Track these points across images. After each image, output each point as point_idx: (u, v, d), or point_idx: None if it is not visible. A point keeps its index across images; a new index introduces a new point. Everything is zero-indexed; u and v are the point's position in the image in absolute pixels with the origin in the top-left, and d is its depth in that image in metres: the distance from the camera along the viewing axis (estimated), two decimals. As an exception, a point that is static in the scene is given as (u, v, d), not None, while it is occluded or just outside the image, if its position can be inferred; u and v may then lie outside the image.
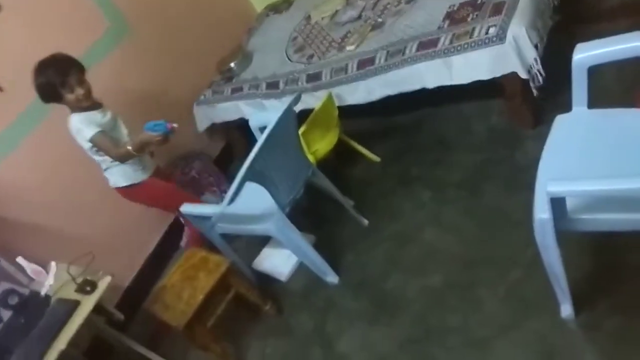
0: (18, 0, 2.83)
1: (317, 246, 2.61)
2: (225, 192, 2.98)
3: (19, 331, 2.27)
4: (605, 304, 1.83)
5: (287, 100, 2.37)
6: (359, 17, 3.17)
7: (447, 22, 2.59)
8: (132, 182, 2.66)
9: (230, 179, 2.61)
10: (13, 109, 2.76)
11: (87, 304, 2.23)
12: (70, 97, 2.39)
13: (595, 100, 1.81)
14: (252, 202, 2.34)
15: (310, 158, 2.66)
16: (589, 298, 1.85)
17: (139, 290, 3.10)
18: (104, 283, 2.29)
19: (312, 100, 2.95)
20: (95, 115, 2.49)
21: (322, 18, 3.45)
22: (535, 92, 2.40)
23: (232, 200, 2.18)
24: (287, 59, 3.34)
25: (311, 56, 3.18)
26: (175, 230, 3.44)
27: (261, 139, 2.16)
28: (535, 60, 2.34)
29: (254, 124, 2.79)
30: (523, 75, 2.35)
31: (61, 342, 2.12)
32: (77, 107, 2.44)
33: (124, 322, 2.77)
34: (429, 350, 2.07)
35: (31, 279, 2.53)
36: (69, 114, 2.47)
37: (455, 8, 2.63)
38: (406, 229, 2.61)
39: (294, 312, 2.63)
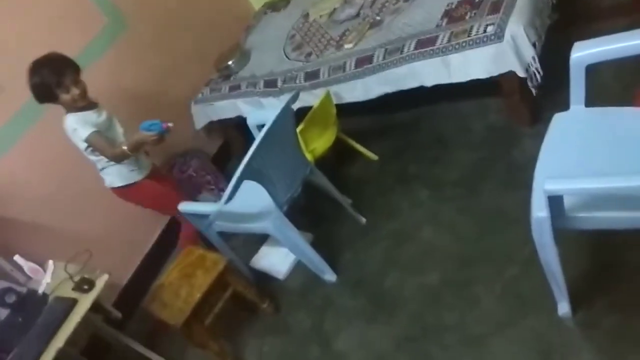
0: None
1: (315, 244, 2.61)
2: (223, 190, 2.99)
3: (16, 330, 2.26)
4: (602, 302, 1.83)
5: (285, 99, 2.36)
6: (357, 15, 3.17)
7: (445, 20, 2.59)
8: (127, 182, 2.64)
9: (228, 177, 2.61)
10: (9, 107, 2.75)
11: (85, 302, 2.23)
12: (65, 97, 2.37)
13: (593, 99, 1.81)
14: (249, 200, 2.34)
15: (308, 156, 2.66)
16: (586, 296, 1.86)
17: (137, 289, 3.10)
18: (101, 281, 2.29)
19: (310, 98, 2.95)
20: (91, 115, 2.48)
21: (320, 16, 3.44)
22: (534, 91, 2.40)
23: (229, 198, 2.18)
24: (285, 57, 3.34)
25: (309, 54, 3.18)
26: (172, 228, 3.42)
27: (259, 137, 2.16)
28: (533, 58, 2.34)
29: (251, 122, 2.79)
30: (521, 73, 2.35)
31: (59, 341, 2.12)
32: (73, 107, 2.42)
33: (122, 320, 2.77)
34: (426, 348, 2.07)
35: (29, 278, 2.53)
36: (64, 113, 2.45)
37: (453, 6, 2.62)
38: (404, 227, 2.61)
39: (291, 310, 2.63)
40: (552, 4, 2.63)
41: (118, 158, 2.46)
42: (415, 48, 2.59)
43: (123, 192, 2.69)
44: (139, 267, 3.33)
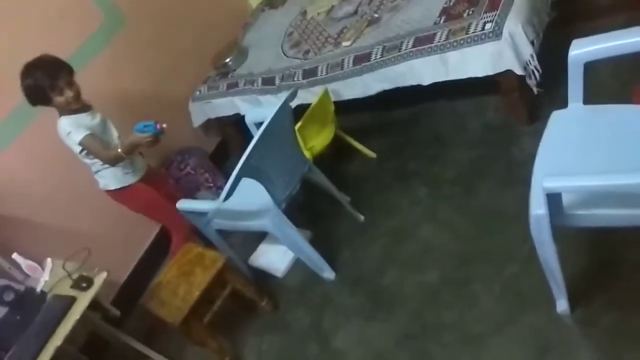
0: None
1: (314, 242, 2.61)
2: (221, 188, 2.98)
3: (14, 328, 2.26)
4: (601, 300, 1.83)
5: (283, 96, 2.35)
6: (355, 12, 3.16)
7: (443, 17, 2.58)
8: (122, 184, 2.62)
9: (226, 175, 2.61)
10: (6, 105, 2.74)
11: (83, 300, 2.23)
12: (59, 99, 2.33)
13: (592, 96, 1.81)
14: (248, 198, 2.34)
15: (307, 154, 2.65)
16: (585, 293, 1.86)
17: (135, 287, 3.10)
18: (99, 279, 2.29)
19: (308, 96, 2.95)
20: (84, 118, 2.45)
21: (318, 13, 3.44)
22: (535, 90, 2.40)
23: (228, 196, 2.17)
24: (283, 54, 3.33)
25: (307, 52, 3.17)
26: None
27: (257, 134, 2.16)
28: (532, 56, 2.34)
29: (249, 120, 2.79)
30: (519, 71, 2.35)
31: (57, 339, 2.12)
32: (66, 110, 2.39)
33: (120, 318, 2.78)
34: (425, 346, 2.08)
35: (27, 276, 2.53)
36: (57, 116, 2.43)
37: (451, 4, 2.62)
38: (402, 224, 2.61)
39: (290, 308, 2.63)
40: (550, 1, 2.62)
41: (113, 161, 2.42)
42: (414, 46, 2.59)
43: (117, 194, 2.66)
44: (137, 264, 3.33)
